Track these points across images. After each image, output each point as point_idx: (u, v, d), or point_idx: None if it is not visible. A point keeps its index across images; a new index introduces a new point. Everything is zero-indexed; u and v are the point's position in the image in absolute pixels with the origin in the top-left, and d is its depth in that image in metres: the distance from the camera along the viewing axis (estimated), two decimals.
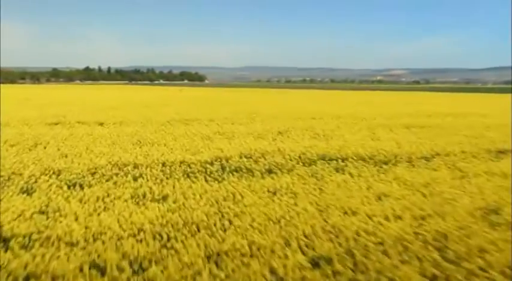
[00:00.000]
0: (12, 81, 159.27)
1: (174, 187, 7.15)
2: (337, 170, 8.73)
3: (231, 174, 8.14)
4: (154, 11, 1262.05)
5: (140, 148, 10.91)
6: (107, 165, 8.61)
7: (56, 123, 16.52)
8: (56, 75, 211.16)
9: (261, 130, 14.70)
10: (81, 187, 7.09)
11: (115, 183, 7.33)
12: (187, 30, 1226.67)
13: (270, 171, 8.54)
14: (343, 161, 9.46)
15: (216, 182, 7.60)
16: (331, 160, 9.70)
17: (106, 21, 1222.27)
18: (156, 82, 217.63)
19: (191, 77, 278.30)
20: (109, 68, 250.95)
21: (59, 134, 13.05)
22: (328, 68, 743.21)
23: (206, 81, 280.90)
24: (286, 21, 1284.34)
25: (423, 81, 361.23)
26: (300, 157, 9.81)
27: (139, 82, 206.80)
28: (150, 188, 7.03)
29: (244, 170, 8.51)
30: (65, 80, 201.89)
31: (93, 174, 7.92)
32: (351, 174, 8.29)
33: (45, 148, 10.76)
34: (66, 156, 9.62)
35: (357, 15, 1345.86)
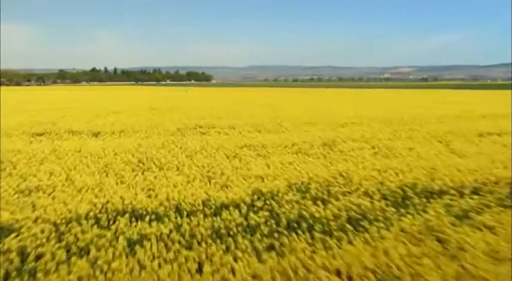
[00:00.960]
0: (18, 83, 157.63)
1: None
2: (458, 218, 5.39)
3: (292, 235, 4.81)
4: (160, 11, 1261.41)
5: (143, 174, 7.64)
6: (87, 216, 5.32)
7: (41, 134, 13.33)
8: (62, 77, 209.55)
9: (298, 141, 11.38)
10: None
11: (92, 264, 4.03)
12: (193, 30, 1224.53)
13: (355, 228, 5.16)
14: (453, 196, 6.15)
15: (273, 255, 4.30)
16: (430, 193, 6.40)
17: (112, 22, 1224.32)
18: (163, 83, 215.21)
19: (198, 77, 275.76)
20: (115, 69, 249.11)
21: (37, 152, 9.81)
22: (334, 66, 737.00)
23: (213, 81, 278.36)
24: (290, 20, 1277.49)
25: (431, 78, 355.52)
26: (381, 191, 6.49)
27: (145, 83, 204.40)
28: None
29: (311, 225, 5.17)
30: (71, 82, 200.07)
31: (59, 240, 4.61)
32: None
33: (6, 177, 7.52)
34: (28, 193, 6.37)
35: (363, 13, 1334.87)
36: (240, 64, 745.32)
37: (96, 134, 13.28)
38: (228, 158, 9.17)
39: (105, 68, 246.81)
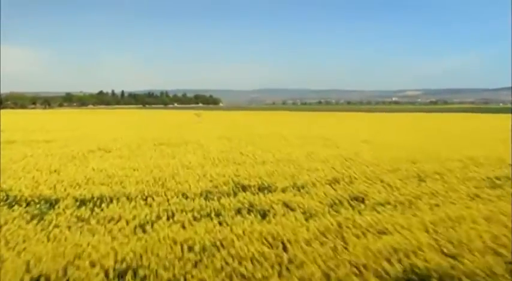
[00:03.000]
0: (23, 106, 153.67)
1: None
2: None
3: None
4: (167, 35, 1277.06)
5: None
6: None
7: None
8: (68, 100, 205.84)
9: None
10: None
11: None
12: (200, 53, 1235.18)
13: None
14: None
15: None
16: None
17: (119, 45, 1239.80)
18: (170, 106, 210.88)
19: (205, 100, 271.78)
20: (122, 92, 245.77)
21: None
22: (341, 89, 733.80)
23: (220, 105, 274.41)
24: (297, 43, 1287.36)
25: (440, 101, 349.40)
26: None
27: (153, 106, 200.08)
28: None
29: None
30: (78, 105, 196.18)
31: None
32: None
33: None
34: None
35: (369, 37, 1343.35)
36: (247, 87, 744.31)
37: (47, 209, 7.10)
38: None
39: (112, 91, 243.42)
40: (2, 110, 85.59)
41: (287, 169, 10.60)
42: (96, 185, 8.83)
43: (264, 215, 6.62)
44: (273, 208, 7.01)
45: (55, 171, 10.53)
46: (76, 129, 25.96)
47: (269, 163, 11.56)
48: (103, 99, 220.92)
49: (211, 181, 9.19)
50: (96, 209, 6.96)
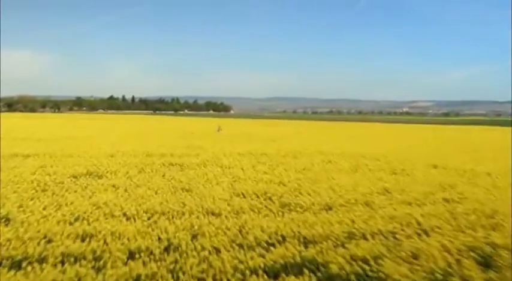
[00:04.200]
0: (32, 110, 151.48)
1: None
2: None
3: None
4: (178, 41, 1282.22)
5: None
6: None
7: None
8: (79, 104, 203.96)
9: None
10: None
11: None
12: (212, 60, 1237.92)
13: None
14: None
15: None
16: None
17: (130, 51, 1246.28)
18: (181, 112, 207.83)
19: (216, 107, 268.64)
20: (133, 97, 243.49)
21: None
22: (352, 99, 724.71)
23: (231, 112, 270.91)
24: (308, 53, 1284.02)
25: (452, 113, 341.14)
26: None
27: (163, 112, 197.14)
28: None
29: None
30: (88, 109, 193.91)
31: None
32: None
33: None
34: None
35: (383, 46, 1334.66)
36: (258, 95, 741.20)
37: None
38: None
39: (123, 97, 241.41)
40: (3, 113, 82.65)
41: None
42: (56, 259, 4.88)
43: None
44: None
45: (3, 219, 6.57)
46: (71, 138, 22.11)
47: (339, 209, 7.45)
48: (113, 104, 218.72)
49: (261, 255, 5.14)
50: None
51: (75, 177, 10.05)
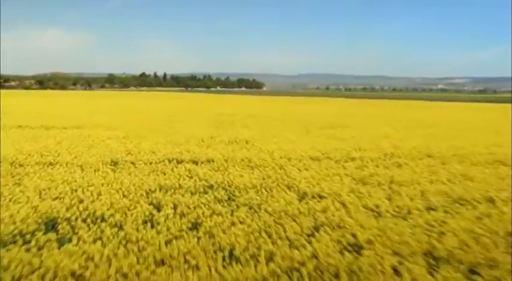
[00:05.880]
0: (63, 87, 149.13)
1: None
2: None
3: None
4: (210, 18, 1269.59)
5: None
6: None
7: None
8: (110, 81, 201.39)
9: None
10: None
11: None
12: (243, 37, 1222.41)
13: None
14: None
15: None
16: None
17: (163, 27, 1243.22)
18: (213, 89, 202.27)
19: (249, 84, 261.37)
20: (165, 74, 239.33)
21: None
22: (386, 76, 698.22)
23: (264, 89, 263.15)
24: (339, 28, 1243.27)
25: (489, 90, 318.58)
26: None
27: (195, 89, 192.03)
28: None
29: None
30: (120, 86, 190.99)
31: None
32: None
33: None
34: None
35: (416, 22, 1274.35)
36: (290, 72, 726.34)
37: None
38: None
39: (155, 73, 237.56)
40: (35, 91, 78.51)
41: None
42: None
43: None
44: None
45: None
46: (73, 128, 16.02)
47: None
48: (145, 82, 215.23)
49: None
50: None
51: None
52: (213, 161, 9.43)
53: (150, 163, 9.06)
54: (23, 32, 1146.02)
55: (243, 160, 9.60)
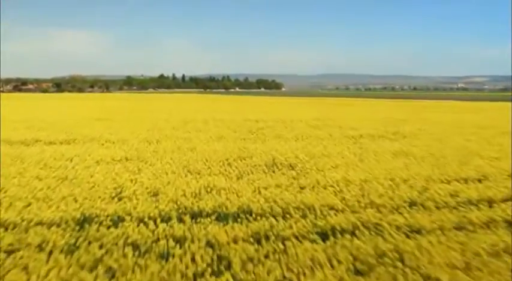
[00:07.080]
0: (80, 90, 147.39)
1: None
2: None
3: None
4: (228, 19, 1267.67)
5: None
6: None
7: None
8: (129, 83, 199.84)
9: None
10: None
11: None
12: (261, 37, 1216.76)
13: None
14: None
15: None
16: None
17: (181, 29, 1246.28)
18: (232, 90, 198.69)
19: (268, 85, 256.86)
20: (183, 76, 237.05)
21: None
22: (405, 75, 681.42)
23: (283, 89, 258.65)
24: (358, 27, 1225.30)
25: (509, 89, 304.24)
26: None
27: (214, 90, 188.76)
28: None
29: None
30: (138, 88, 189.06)
31: None
32: None
33: None
34: None
35: (434, 21, 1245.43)
36: (308, 72, 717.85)
37: None
38: None
39: (173, 75, 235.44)
40: (49, 94, 76.03)
41: None
42: None
43: None
44: None
45: None
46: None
47: None
48: (163, 83, 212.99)
49: None
50: None
51: None
52: (251, 214, 5.44)
53: (143, 222, 5.08)
54: (41, 35, 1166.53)
55: (303, 216, 5.51)
